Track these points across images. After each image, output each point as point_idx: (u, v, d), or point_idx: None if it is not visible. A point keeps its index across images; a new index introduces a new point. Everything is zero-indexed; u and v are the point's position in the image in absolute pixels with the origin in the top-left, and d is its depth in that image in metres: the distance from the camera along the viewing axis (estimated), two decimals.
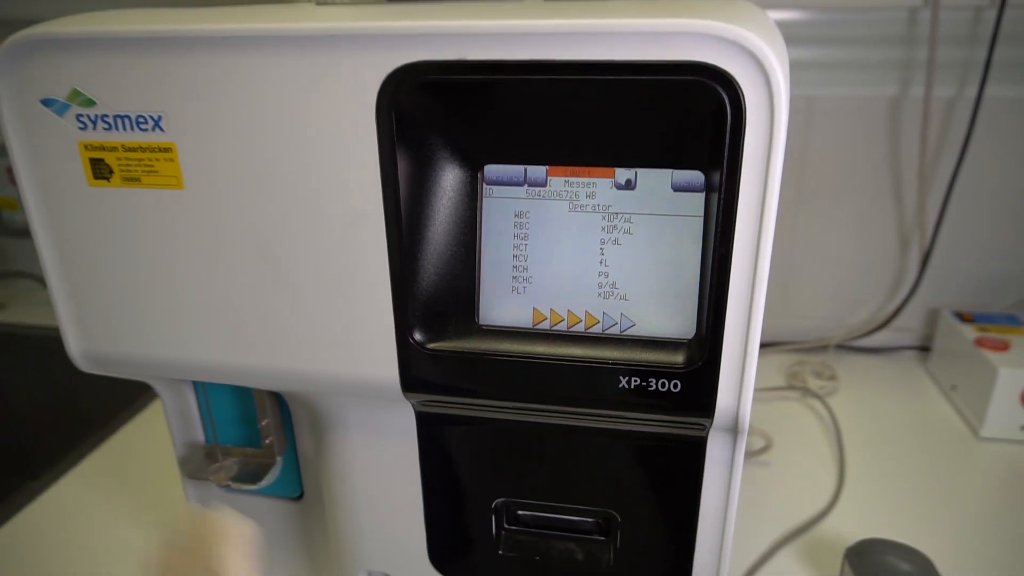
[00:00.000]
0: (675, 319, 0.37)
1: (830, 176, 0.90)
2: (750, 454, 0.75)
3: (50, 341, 1.14)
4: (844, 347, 0.97)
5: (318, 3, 0.44)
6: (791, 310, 0.97)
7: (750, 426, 0.77)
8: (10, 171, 1.14)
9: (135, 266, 0.40)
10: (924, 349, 0.96)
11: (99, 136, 0.37)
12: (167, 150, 0.37)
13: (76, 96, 0.37)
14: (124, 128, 0.37)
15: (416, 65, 0.33)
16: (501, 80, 0.32)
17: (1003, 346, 0.79)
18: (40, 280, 1.17)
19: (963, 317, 0.87)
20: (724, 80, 0.30)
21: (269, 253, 0.38)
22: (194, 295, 0.40)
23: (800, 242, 0.94)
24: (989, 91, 0.82)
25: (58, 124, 0.38)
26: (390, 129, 0.34)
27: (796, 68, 0.85)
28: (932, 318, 0.95)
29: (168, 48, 0.35)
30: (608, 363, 0.36)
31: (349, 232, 0.37)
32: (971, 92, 0.83)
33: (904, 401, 0.85)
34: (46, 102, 0.37)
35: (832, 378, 0.89)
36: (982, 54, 0.81)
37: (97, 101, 0.37)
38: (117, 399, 1.14)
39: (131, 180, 0.38)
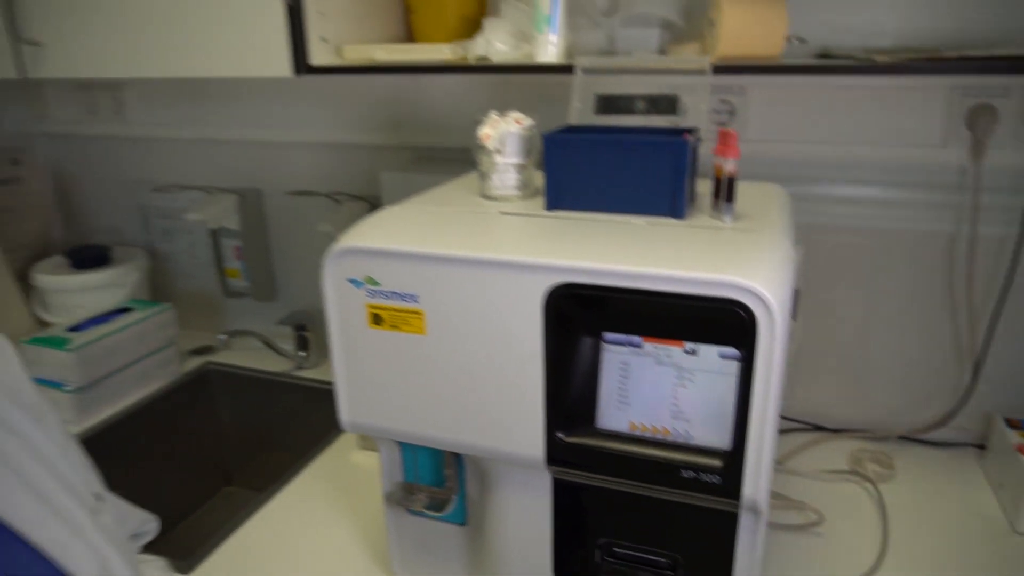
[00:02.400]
0: (718, 436, 0.59)
1: (896, 292, 1.07)
2: (804, 526, 0.93)
3: (256, 381, 1.47)
4: (906, 439, 1.12)
5: (502, 212, 0.70)
6: (860, 402, 1.14)
7: (806, 501, 0.95)
8: (237, 249, 1.49)
9: (390, 376, 0.67)
10: (981, 447, 1.10)
11: (378, 301, 0.64)
12: (417, 313, 0.63)
13: (369, 280, 0.64)
14: (394, 299, 0.64)
15: (568, 284, 0.57)
16: (618, 295, 0.56)
17: None
18: (250, 334, 1.50)
19: (1011, 423, 1.01)
20: (743, 306, 0.53)
21: (473, 374, 0.64)
22: (424, 395, 0.66)
23: (872, 343, 1.11)
24: None
25: (355, 293, 0.65)
26: (550, 315, 0.59)
27: (868, 205, 1.04)
28: (989, 421, 1.09)
29: (423, 261, 0.61)
30: (676, 461, 0.59)
31: (523, 366, 0.61)
32: (1013, 232, 0.99)
33: (955, 493, 1.00)
34: (351, 281, 0.65)
35: (890, 466, 1.05)
36: (1021, 201, 0.97)
37: (380, 283, 0.64)
38: (307, 433, 1.44)
39: (394, 327, 0.65)
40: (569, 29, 0.89)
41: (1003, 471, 0.98)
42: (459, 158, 1.22)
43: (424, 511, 0.77)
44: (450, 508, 0.76)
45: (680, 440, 0.60)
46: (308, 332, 1.44)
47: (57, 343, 1.24)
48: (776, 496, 0.94)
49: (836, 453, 1.10)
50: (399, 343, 0.65)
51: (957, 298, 1.04)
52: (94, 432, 1.26)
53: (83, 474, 0.54)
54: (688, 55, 0.90)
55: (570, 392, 0.62)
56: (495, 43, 0.91)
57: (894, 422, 1.13)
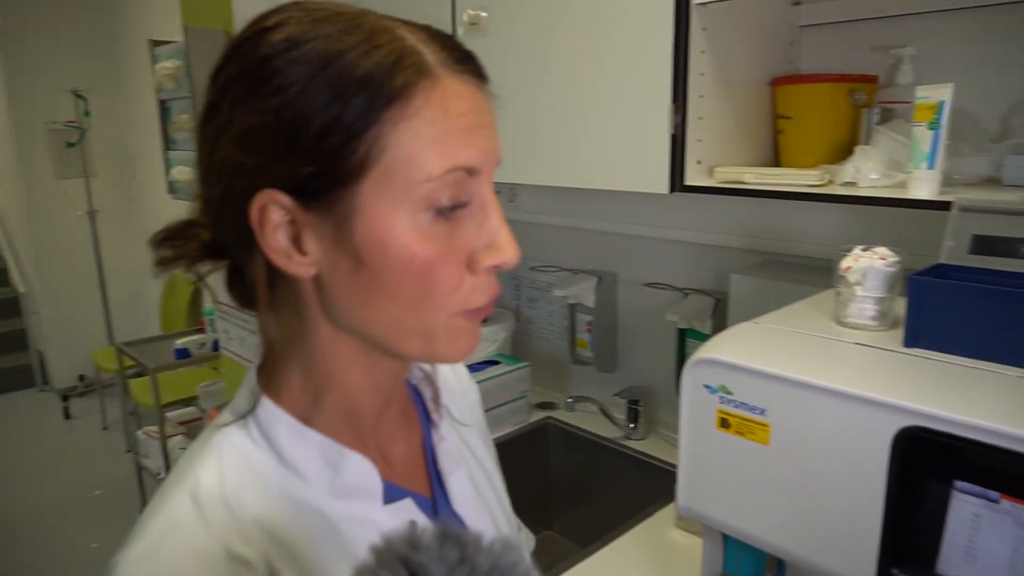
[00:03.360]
0: None
1: None
2: None
3: (588, 442, 1.63)
4: None
5: (856, 343, 0.74)
6: None
7: None
8: (589, 324, 1.69)
9: (730, 474, 0.75)
10: None
11: (728, 408, 0.73)
12: (764, 425, 0.71)
13: (723, 388, 0.73)
14: (744, 409, 0.72)
15: (920, 427, 0.60)
16: (976, 447, 0.57)
17: None
18: (589, 400, 1.68)
19: None
20: None
21: (810, 491, 0.68)
22: (759, 498, 0.73)
23: None
24: None
25: (709, 398, 0.75)
26: (896, 453, 0.61)
27: None
28: None
29: (775, 381, 0.69)
30: None
31: (862, 495, 0.65)
32: None
33: None
34: (706, 386, 0.75)
35: None
36: None
37: (733, 393, 0.73)
38: (626, 498, 1.56)
39: (740, 433, 0.73)
40: (948, 156, 0.89)
41: None
42: (807, 265, 1.26)
43: None
44: None
45: None
46: (640, 406, 1.57)
47: None
48: None
49: None
50: (742, 447, 0.73)
51: None
52: None
53: None
54: None
55: (910, 530, 0.63)
56: (865, 171, 0.95)
57: None
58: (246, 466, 0.48)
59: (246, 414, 0.50)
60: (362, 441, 0.52)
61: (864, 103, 1.06)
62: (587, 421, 1.67)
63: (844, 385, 0.65)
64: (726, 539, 0.84)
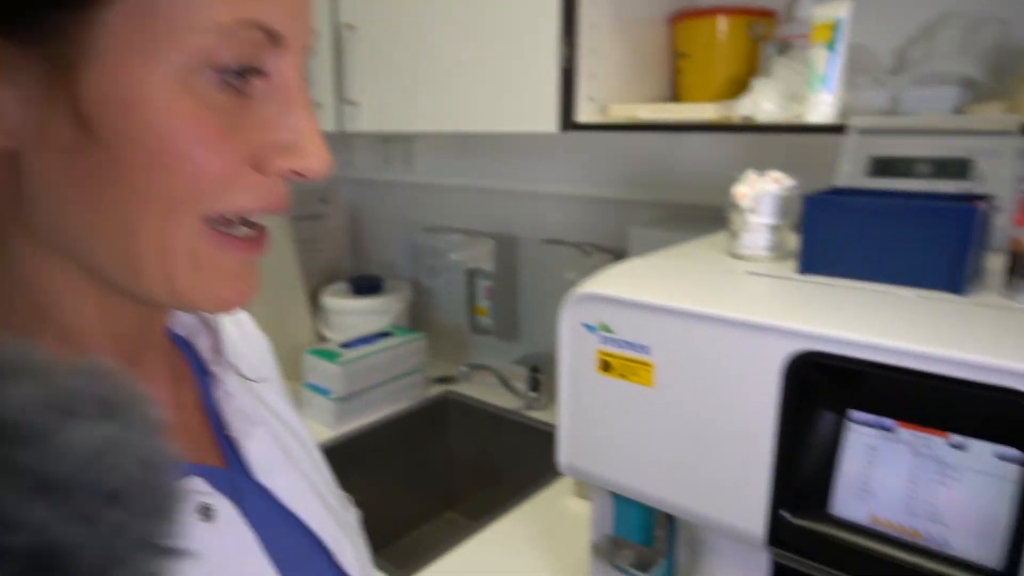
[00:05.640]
0: (984, 550, 0.49)
1: None
2: None
3: (488, 415, 1.54)
4: None
5: (748, 272, 0.67)
6: None
7: None
8: (488, 289, 1.59)
9: (612, 424, 0.67)
10: None
11: (610, 348, 0.65)
12: (647, 365, 0.63)
13: (603, 326, 0.65)
14: (626, 348, 0.64)
15: (813, 352, 0.53)
16: (872, 371, 0.51)
17: None
18: (488, 369, 1.59)
19: None
20: None
21: (696, 435, 0.61)
22: (643, 448, 0.65)
23: None
24: None
25: (589, 337, 0.66)
26: (789, 384, 0.54)
27: None
28: None
29: (658, 313, 0.61)
30: (926, 570, 0.51)
31: (752, 434, 0.58)
32: None
33: None
34: (586, 325, 0.66)
35: None
36: None
37: (614, 331, 0.64)
38: (528, 471, 1.48)
39: (622, 376, 0.65)
40: (847, 89, 0.84)
41: None
42: (709, 216, 1.20)
43: (629, 568, 0.74)
44: (656, 571, 0.73)
45: (934, 547, 0.52)
46: (541, 374, 1.49)
47: (330, 356, 1.42)
48: None
49: None
50: (625, 392, 0.65)
51: None
52: (345, 439, 1.42)
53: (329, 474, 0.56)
54: (991, 115, 0.80)
55: (802, 469, 0.56)
56: (762, 103, 0.89)
57: None
58: None
59: None
60: None
61: (763, 36, 1.01)
62: (488, 392, 1.58)
63: (731, 312, 0.57)
64: (616, 498, 0.77)
